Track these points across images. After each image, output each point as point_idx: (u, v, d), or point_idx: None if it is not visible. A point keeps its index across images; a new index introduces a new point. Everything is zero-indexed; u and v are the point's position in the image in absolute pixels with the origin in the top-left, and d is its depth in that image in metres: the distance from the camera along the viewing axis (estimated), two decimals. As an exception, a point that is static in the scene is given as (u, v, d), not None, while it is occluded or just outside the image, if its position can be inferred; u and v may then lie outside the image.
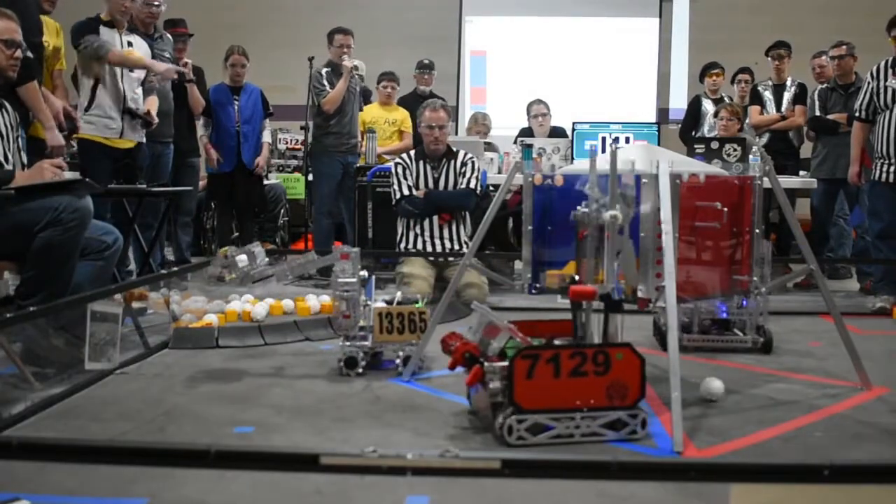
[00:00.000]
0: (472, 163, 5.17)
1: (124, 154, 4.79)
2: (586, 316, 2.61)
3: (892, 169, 4.83)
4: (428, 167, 5.14)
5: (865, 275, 5.63)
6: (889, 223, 4.93)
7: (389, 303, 3.44)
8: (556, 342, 2.63)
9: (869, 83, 5.01)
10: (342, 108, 5.94)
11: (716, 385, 2.86)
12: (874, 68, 4.99)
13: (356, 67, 5.94)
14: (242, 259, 3.18)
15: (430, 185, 5.13)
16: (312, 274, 5.95)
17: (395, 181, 5.13)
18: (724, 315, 3.67)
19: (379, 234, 5.89)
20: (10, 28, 3.40)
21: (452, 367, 2.62)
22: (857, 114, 5.13)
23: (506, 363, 2.41)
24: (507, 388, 2.38)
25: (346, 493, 2.02)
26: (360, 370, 3.18)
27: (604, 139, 6.05)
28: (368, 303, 3.29)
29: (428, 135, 5.08)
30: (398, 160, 5.21)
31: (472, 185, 5.11)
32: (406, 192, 5.09)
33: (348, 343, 3.20)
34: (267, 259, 3.31)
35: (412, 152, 5.29)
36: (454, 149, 5.21)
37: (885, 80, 4.88)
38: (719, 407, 2.80)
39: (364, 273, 3.23)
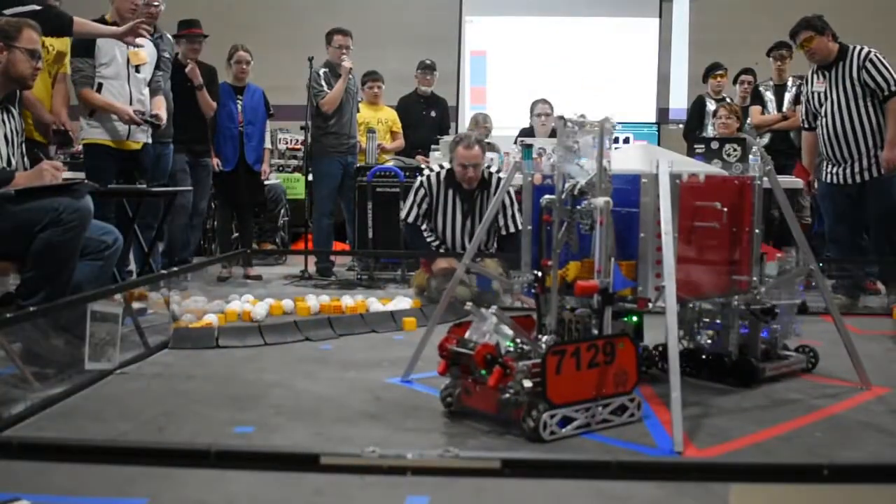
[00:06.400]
0: (510, 196, 4.71)
1: (131, 155, 4.78)
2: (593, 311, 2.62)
3: (832, 169, 4.79)
4: (458, 197, 4.83)
5: (866, 274, 5.62)
6: (830, 227, 4.90)
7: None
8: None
9: (803, 91, 4.98)
10: (340, 108, 5.93)
11: None
12: (807, 75, 4.96)
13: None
14: None
15: (460, 218, 4.85)
16: (312, 274, 5.97)
17: (410, 200, 4.92)
18: (766, 334, 3.21)
19: (379, 234, 5.90)
20: (34, 39, 3.37)
21: (443, 373, 2.64)
22: (803, 125, 5.09)
23: (532, 361, 2.44)
24: (541, 384, 2.39)
25: (346, 493, 2.01)
26: None
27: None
28: None
29: (461, 173, 4.70)
30: (423, 180, 4.90)
31: (511, 229, 4.72)
32: (412, 219, 4.88)
33: None
34: None
35: (442, 175, 4.86)
36: (485, 174, 4.82)
37: (811, 85, 4.84)
38: (719, 407, 2.80)
39: None
